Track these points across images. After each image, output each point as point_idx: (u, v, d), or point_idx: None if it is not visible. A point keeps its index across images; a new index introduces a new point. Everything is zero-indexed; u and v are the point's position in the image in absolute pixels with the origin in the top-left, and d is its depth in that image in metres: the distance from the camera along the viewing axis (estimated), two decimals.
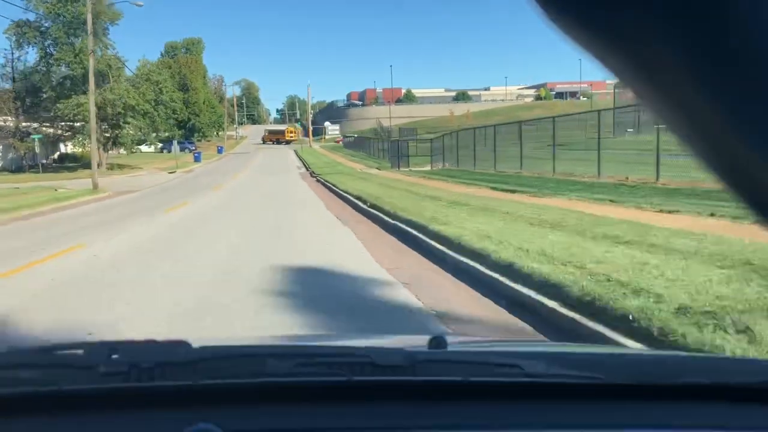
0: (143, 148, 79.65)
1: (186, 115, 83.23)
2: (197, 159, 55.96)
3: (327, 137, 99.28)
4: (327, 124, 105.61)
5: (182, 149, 73.21)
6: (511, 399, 1.20)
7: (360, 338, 2.46)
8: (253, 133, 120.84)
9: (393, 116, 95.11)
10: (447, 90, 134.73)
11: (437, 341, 1.34)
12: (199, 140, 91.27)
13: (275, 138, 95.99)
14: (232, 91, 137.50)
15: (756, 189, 0.36)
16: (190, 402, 1.16)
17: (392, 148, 39.61)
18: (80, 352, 1.24)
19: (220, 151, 74.54)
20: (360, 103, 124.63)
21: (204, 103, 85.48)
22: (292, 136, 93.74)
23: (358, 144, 72.78)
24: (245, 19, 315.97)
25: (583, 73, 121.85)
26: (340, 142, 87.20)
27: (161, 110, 46.70)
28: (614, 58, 0.36)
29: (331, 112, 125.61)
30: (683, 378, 1.23)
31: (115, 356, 1.17)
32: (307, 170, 40.76)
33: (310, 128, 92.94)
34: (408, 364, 1.19)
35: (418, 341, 1.43)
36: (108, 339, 1.38)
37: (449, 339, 1.43)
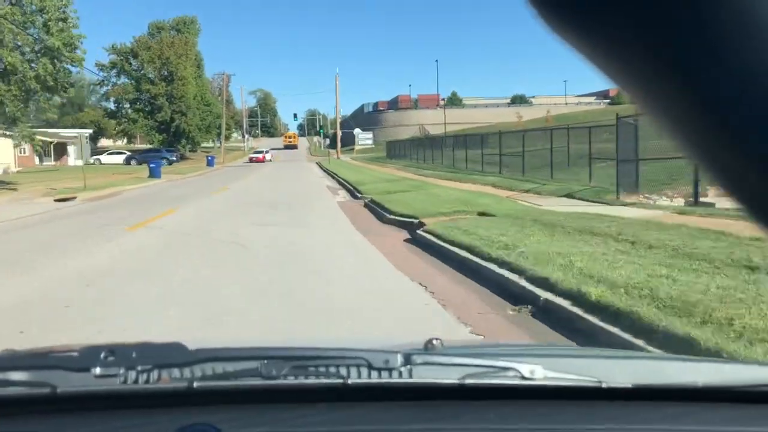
0: (107, 158, 57.66)
1: (168, 114, 60.77)
2: (154, 173, 33.39)
3: (358, 146, 76.68)
4: (357, 131, 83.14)
5: (157, 160, 51.09)
6: (507, 402, 1.20)
7: (356, 341, 2.26)
8: (268, 145, 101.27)
9: (439, 122, 79.27)
10: (485, 98, 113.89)
11: (433, 344, 1.34)
12: (192, 150, 68.92)
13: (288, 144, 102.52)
14: (241, 93, 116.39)
15: (754, 194, 0.36)
16: (186, 404, 1.17)
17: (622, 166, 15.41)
18: (75, 354, 1.22)
19: (209, 163, 52.10)
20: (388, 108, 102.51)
21: (194, 98, 62.91)
22: (291, 141, 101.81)
23: (405, 153, 50.28)
24: (266, 37, 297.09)
25: None
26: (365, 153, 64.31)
27: (44, 67, 23.49)
28: (610, 62, 0.36)
29: (360, 118, 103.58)
30: (681, 380, 1.23)
31: (110, 358, 1.16)
32: (377, 214, 17.59)
33: (339, 133, 70.20)
34: (404, 366, 1.18)
35: (414, 344, 1.41)
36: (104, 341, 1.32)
37: (446, 342, 1.40)
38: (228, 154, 71.82)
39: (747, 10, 0.31)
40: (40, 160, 51.36)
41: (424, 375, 1.19)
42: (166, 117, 60.94)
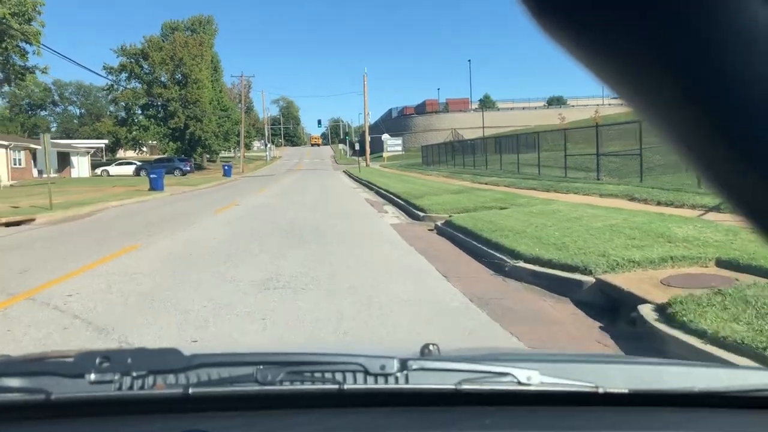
0: (115, 169, 52.47)
1: (182, 120, 55.50)
2: (155, 185, 27.87)
3: (387, 153, 70.79)
4: (386, 137, 77.09)
5: (170, 170, 45.87)
6: (504, 408, 1.19)
7: (352, 347, 2.40)
8: (291, 155, 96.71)
9: (474, 126, 73.34)
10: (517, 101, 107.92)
11: (429, 349, 1.33)
12: (211, 159, 63.59)
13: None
14: (263, 97, 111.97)
15: (750, 199, 0.36)
16: (181, 410, 1.16)
17: None
18: (70, 360, 1.21)
19: (226, 173, 46.64)
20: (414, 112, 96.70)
21: (210, 103, 57.56)
22: (316, 142, 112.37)
23: (444, 159, 44.57)
24: (287, 43, 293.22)
25: None
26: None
27: None
28: (600, 64, 0.36)
29: (388, 124, 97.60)
30: (677, 386, 1.22)
31: (105, 364, 1.15)
32: (477, 253, 11.47)
33: (368, 138, 64.16)
34: (400, 372, 1.17)
35: (410, 349, 1.39)
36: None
37: (442, 347, 1.39)
38: (249, 164, 66.48)
39: (746, 17, 0.31)
40: (40, 173, 46.30)
41: (421, 380, 1.18)
42: (179, 123, 55.71)
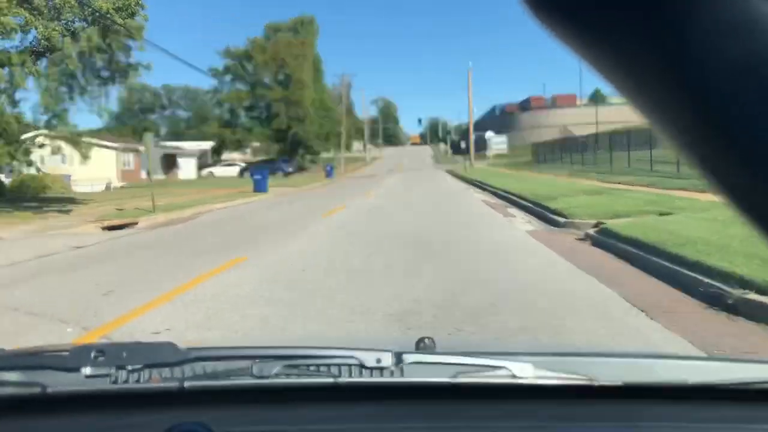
0: (220, 170, 52.93)
1: (285, 121, 55.40)
2: (259, 187, 27.12)
3: (493, 151, 68.23)
4: (489, 134, 74.63)
5: (273, 171, 45.56)
6: (499, 400, 1.20)
7: (348, 341, 2.39)
8: (391, 155, 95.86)
9: (583, 122, 68.50)
10: None
11: (425, 343, 1.34)
12: (312, 161, 63.39)
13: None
14: (362, 97, 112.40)
15: (751, 198, 0.35)
16: (177, 403, 1.16)
17: None
18: (65, 353, 1.19)
19: (328, 173, 45.92)
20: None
21: (312, 104, 57.19)
22: (416, 141, 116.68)
23: (558, 157, 41.83)
24: (385, 43, 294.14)
25: None
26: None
27: (89, 39, 16.54)
28: (603, 62, 0.35)
29: (491, 121, 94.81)
30: (671, 378, 1.24)
31: (100, 358, 1.14)
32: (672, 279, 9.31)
33: (472, 136, 61.66)
34: (395, 365, 1.17)
35: (406, 343, 1.39)
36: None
37: (437, 340, 1.40)
38: (349, 165, 65.88)
39: (747, 16, 0.31)
40: (148, 175, 47.24)
41: (416, 374, 1.17)
42: (282, 124, 55.59)
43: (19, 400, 1.17)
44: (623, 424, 1.15)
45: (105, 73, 18.58)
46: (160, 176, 48.40)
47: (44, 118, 17.23)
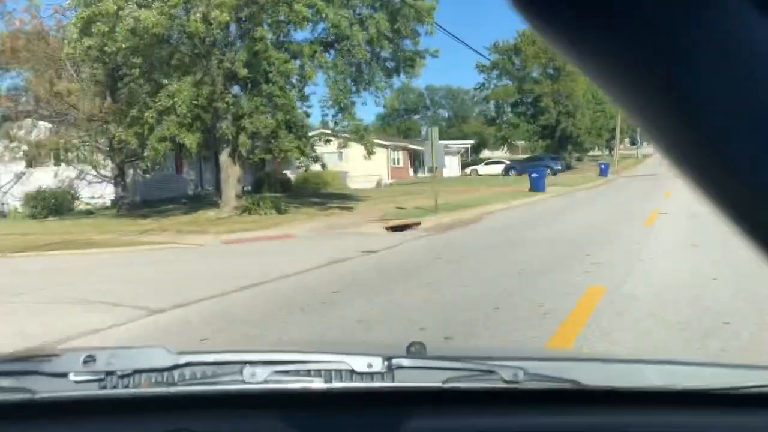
0: (484, 168, 51.71)
1: (553, 116, 52.44)
2: (536, 186, 24.97)
3: None
4: None
5: (540, 168, 43.04)
6: (489, 405, 1.20)
7: (339, 345, 2.35)
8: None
9: None
10: None
11: (416, 347, 1.33)
12: (578, 158, 59.60)
13: None
14: None
15: (744, 210, 0.35)
16: (167, 408, 1.16)
17: None
18: (54, 359, 1.19)
19: (603, 172, 42.13)
20: None
21: (584, 96, 53.43)
22: None
23: None
24: None
25: None
26: None
27: (376, 25, 15.30)
28: (589, 63, 0.35)
29: None
30: (661, 383, 1.23)
31: (90, 363, 1.14)
32: None
33: None
34: (386, 370, 1.16)
35: (397, 347, 1.38)
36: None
37: (428, 345, 1.38)
38: (620, 162, 60.71)
39: (732, 20, 0.31)
40: (415, 172, 47.59)
41: (407, 379, 1.17)
42: (550, 120, 52.65)
43: (7, 406, 1.15)
44: (611, 428, 1.17)
45: (391, 64, 17.66)
46: (423, 174, 48.65)
47: (330, 113, 16.78)
